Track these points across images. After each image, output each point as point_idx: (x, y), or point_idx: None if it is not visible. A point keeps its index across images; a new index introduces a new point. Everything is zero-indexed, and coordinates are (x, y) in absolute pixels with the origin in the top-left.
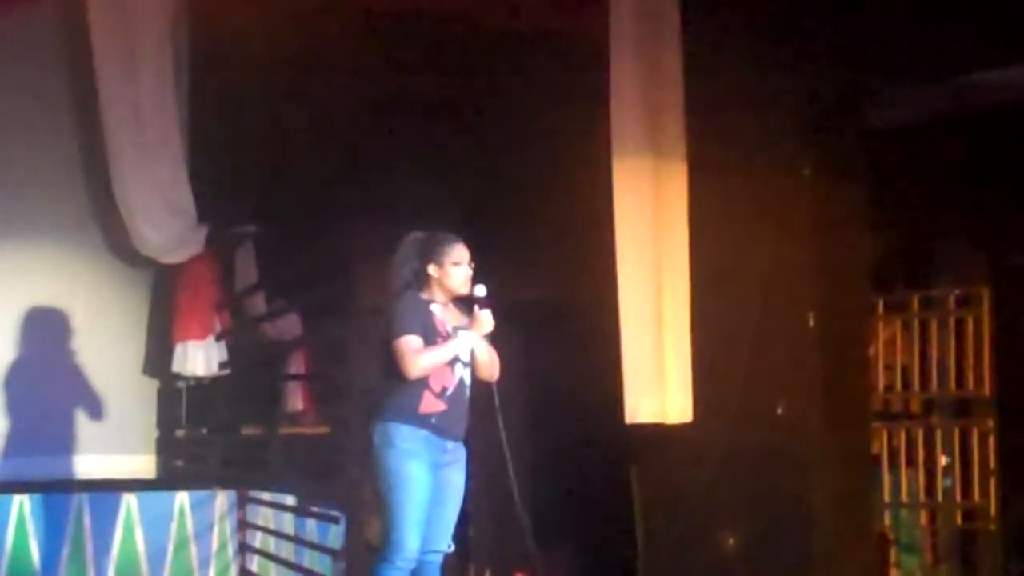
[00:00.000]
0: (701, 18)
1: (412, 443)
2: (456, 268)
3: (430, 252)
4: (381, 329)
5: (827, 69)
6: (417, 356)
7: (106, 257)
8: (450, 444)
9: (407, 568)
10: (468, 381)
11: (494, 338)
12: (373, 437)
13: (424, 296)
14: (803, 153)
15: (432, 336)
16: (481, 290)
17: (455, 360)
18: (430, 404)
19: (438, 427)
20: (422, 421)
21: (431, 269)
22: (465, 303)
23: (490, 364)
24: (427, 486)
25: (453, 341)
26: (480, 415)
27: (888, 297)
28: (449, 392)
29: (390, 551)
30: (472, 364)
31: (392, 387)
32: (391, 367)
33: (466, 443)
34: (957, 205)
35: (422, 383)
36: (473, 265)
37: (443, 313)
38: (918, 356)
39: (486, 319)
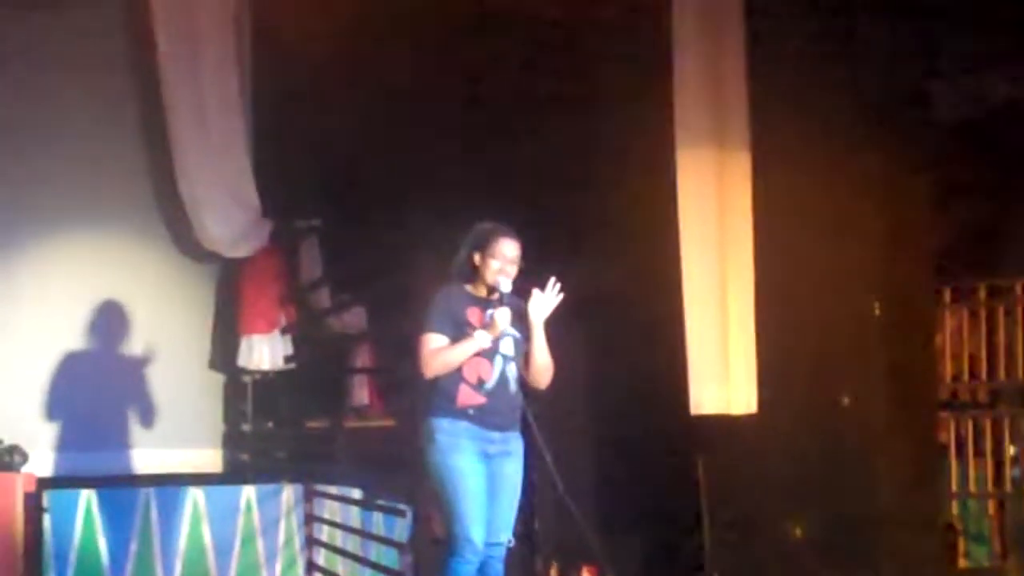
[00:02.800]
0: (765, 8)
1: (452, 436)
2: (493, 260)
3: (479, 241)
4: (414, 324)
5: (893, 58)
6: (432, 356)
7: (172, 252)
8: (496, 435)
9: (476, 561)
10: (513, 375)
11: (556, 334)
12: (419, 432)
13: (468, 288)
14: (869, 143)
15: (464, 331)
16: (505, 285)
17: (494, 353)
18: (468, 396)
19: (478, 419)
20: (460, 413)
21: (476, 258)
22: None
23: (540, 369)
24: (479, 477)
25: (468, 342)
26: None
27: (955, 286)
28: (489, 385)
29: (456, 546)
30: (525, 364)
31: (433, 381)
32: None
33: (524, 434)
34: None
35: (458, 376)
36: (520, 264)
37: (485, 306)
38: (985, 345)
39: (500, 319)
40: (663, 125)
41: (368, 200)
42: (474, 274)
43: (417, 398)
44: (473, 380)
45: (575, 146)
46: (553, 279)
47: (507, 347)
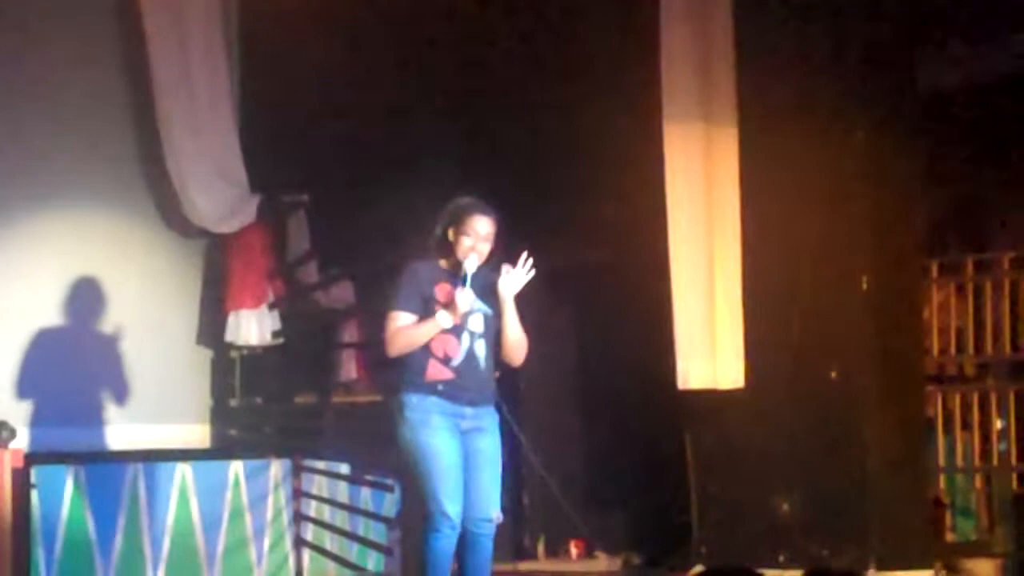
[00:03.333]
0: None
1: (422, 412)
2: (466, 238)
3: (454, 217)
4: (384, 295)
5: (881, 29)
6: (396, 334)
7: (159, 227)
8: (468, 411)
9: (454, 536)
10: (483, 351)
11: (539, 305)
12: (391, 408)
13: (443, 263)
14: (856, 115)
15: (432, 308)
16: (470, 265)
17: (461, 329)
18: (437, 371)
19: (448, 394)
20: (430, 388)
21: (449, 233)
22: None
23: (512, 345)
24: (451, 452)
25: (430, 322)
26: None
27: (942, 260)
28: (456, 362)
29: (433, 521)
30: (497, 341)
31: (403, 356)
32: None
33: (499, 408)
34: (1012, 166)
35: (425, 351)
36: (491, 242)
37: (455, 282)
38: (972, 319)
39: (461, 301)
40: (650, 100)
41: (355, 174)
42: (448, 249)
43: (392, 374)
44: (440, 355)
45: (563, 121)
46: (525, 255)
47: (476, 324)
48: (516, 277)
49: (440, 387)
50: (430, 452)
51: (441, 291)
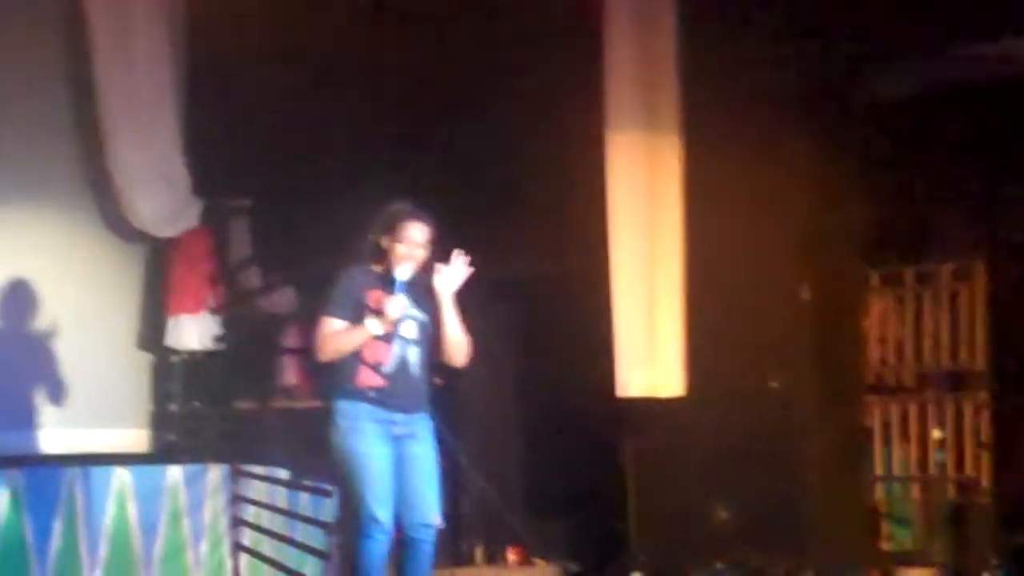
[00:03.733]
0: None
1: (352, 419)
2: (400, 245)
3: (388, 224)
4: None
5: (822, 42)
6: (326, 340)
7: (100, 230)
8: (400, 417)
9: (386, 540)
10: (415, 358)
11: (480, 313)
12: (325, 415)
13: (377, 269)
14: (798, 127)
15: (363, 315)
16: (402, 273)
17: (392, 336)
18: (367, 378)
19: (379, 400)
20: (360, 395)
21: (383, 240)
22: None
23: (453, 345)
24: (382, 458)
25: (359, 330)
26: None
27: (882, 270)
28: (387, 368)
29: (364, 527)
30: (437, 343)
31: (334, 362)
32: None
33: (433, 417)
34: (952, 178)
35: (356, 358)
36: (429, 248)
37: (389, 289)
38: (912, 329)
39: (392, 308)
40: (594, 107)
41: (298, 180)
42: (382, 256)
43: (326, 380)
44: (371, 362)
45: (505, 128)
46: (457, 251)
47: (408, 330)
48: (452, 274)
49: (371, 393)
50: (360, 458)
51: (373, 297)
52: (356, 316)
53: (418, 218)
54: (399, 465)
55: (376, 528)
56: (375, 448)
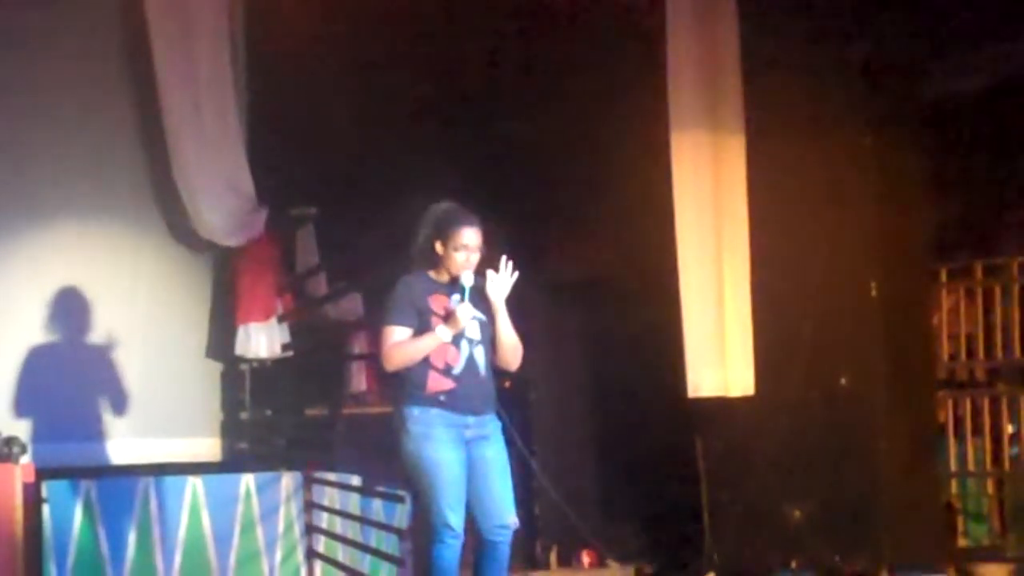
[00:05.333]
0: None
1: (425, 424)
2: (456, 253)
3: (440, 228)
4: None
5: (888, 36)
6: (393, 350)
7: (168, 241)
8: (471, 419)
9: (458, 545)
10: (482, 358)
11: (550, 317)
12: (392, 422)
13: (431, 274)
14: (863, 122)
15: (428, 320)
16: (467, 279)
17: (460, 337)
18: (437, 382)
19: (450, 404)
20: (431, 400)
21: (437, 246)
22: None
23: (508, 350)
24: (455, 464)
25: (429, 336)
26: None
27: (951, 265)
28: (457, 370)
29: (435, 531)
30: (492, 347)
31: (402, 369)
32: None
33: (499, 416)
34: (1019, 172)
35: (426, 362)
36: (482, 252)
37: (450, 292)
38: (982, 324)
39: (462, 315)
40: (657, 107)
41: (363, 187)
42: (436, 260)
43: (395, 386)
44: (440, 366)
45: (571, 130)
46: (504, 257)
47: (472, 331)
48: (503, 281)
49: (442, 398)
50: (433, 464)
51: (436, 302)
52: (419, 323)
53: (470, 222)
54: (472, 468)
55: (449, 533)
56: (448, 453)
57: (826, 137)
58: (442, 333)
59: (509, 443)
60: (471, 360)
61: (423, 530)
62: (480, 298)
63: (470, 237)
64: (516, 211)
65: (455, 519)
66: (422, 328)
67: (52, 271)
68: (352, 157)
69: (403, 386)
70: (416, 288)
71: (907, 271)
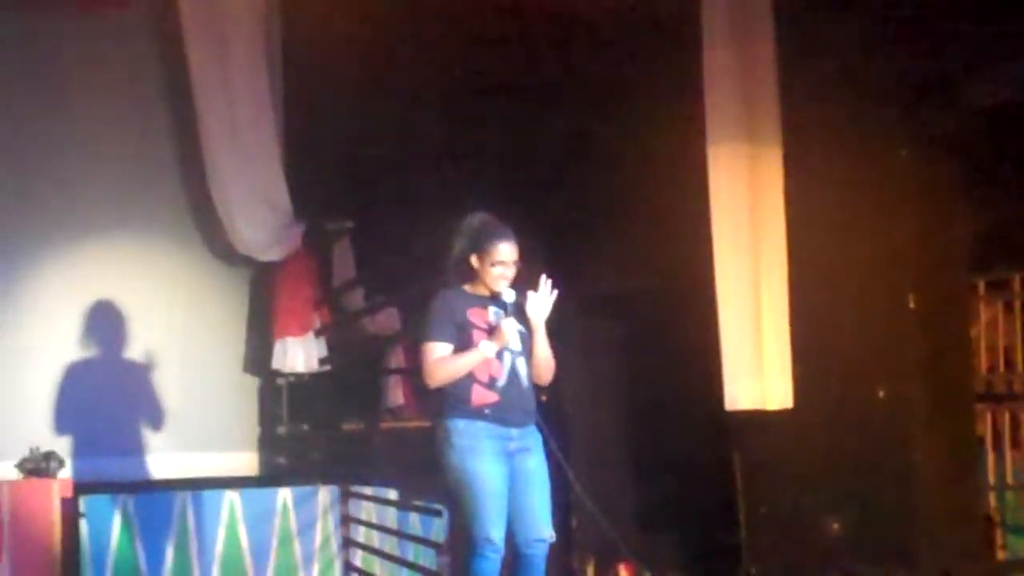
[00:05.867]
0: (793, 1)
1: (470, 438)
2: (494, 268)
3: (475, 242)
4: (417, 325)
5: (923, 47)
6: (436, 366)
7: (205, 256)
8: (515, 432)
9: (498, 559)
10: (524, 370)
11: (587, 329)
12: (434, 435)
13: (467, 288)
14: (900, 133)
15: (468, 334)
16: (509, 295)
17: (503, 350)
18: (481, 396)
19: (495, 417)
20: (476, 413)
21: (473, 259)
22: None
23: (542, 365)
24: (498, 477)
25: (474, 352)
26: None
27: (990, 277)
28: (501, 383)
29: (477, 547)
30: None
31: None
32: None
33: (539, 428)
34: None
35: (470, 375)
36: (518, 265)
37: (486, 304)
38: (1021, 336)
39: (507, 329)
40: (694, 119)
41: (400, 201)
42: (471, 274)
43: (435, 399)
44: (485, 379)
45: (607, 146)
46: (544, 276)
47: (515, 343)
48: (543, 300)
49: (487, 411)
50: (477, 477)
51: (475, 316)
52: (459, 338)
53: (506, 236)
54: (514, 480)
55: (490, 547)
56: (492, 467)
57: (863, 150)
58: (486, 348)
59: (548, 453)
60: (514, 372)
61: (462, 544)
62: (519, 311)
63: (506, 252)
64: (553, 223)
65: (497, 533)
66: (463, 342)
67: (90, 287)
68: (388, 171)
69: (446, 399)
70: (454, 303)
71: (945, 283)
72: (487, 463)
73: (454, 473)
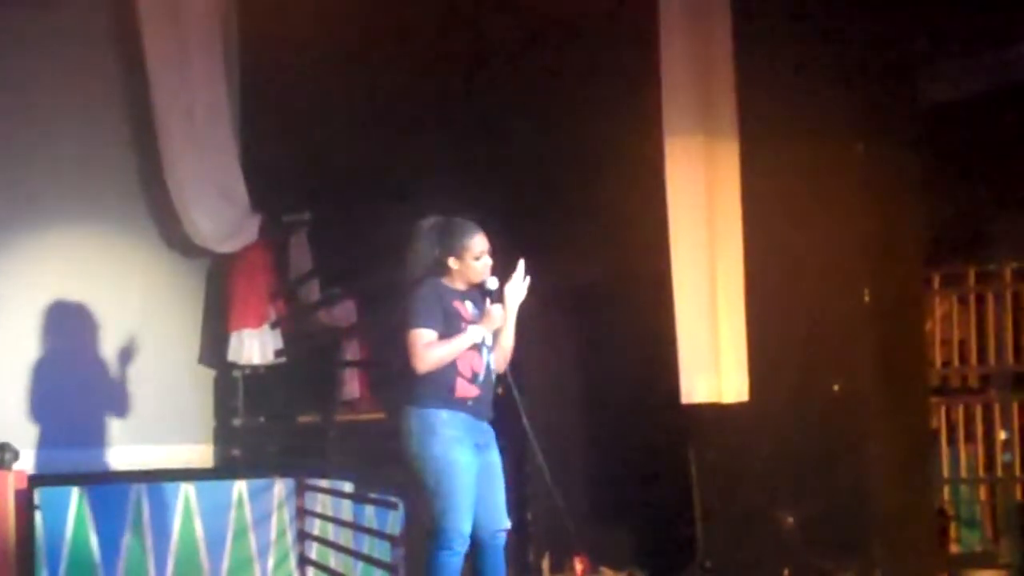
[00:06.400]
0: None
1: (454, 428)
2: (476, 262)
3: (450, 244)
4: (398, 316)
5: (879, 42)
6: (427, 351)
7: (160, 247)
8: (485, 426)
9: (463, 552)
10: (492, 365)
11: (542, 321)
12: (408, 423)
13: (445, 282)
14: (857, 127)
15: (455, 323)
16: (493, 283)
17: (482, 345)
18: (464, 389)
19: (474, 410)
20: (459, 405)
21: (451, 261)
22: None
23: (506, 353)
24: (472, 470)
25: (463, 336)
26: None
27: (944, 272)
28: (481, 377)
29: (446, 538)
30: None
31: (427, 373)
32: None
33: (492, 423)
34: (1012, 178)
35: (453, 368)
36: (493, 254)
37: (464, 299)
38: (975, 330)
39: (497, 314)
40: (651, 115)
41: (357, 193)
42: (446, 271)
43: (403, 389)
44: (468, 374)
45: (563, 138)
46: (521, 262)
47: (488, 338)
48: (520, 286)
49: (469, 403)
50: (458, 470)
51: (462, 308)
52: (445, 326)
53: (478, 230)
54: (481, 474)
55: (459, 541)
56: (470, 460)
57: (819, 143)
58: (476, 333)
59: (509, 450)
60: (487, 367)
61: (425, 537)
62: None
63: (482, 243)
64: (509, 219)
65: (467, 527)
66: (447, 331)
67: (45, 278)
68: (345, 164)
69: (426, 389)
70: (441, 293)
71: (900, 277)
72: (467, 455)
73: (434, 463)
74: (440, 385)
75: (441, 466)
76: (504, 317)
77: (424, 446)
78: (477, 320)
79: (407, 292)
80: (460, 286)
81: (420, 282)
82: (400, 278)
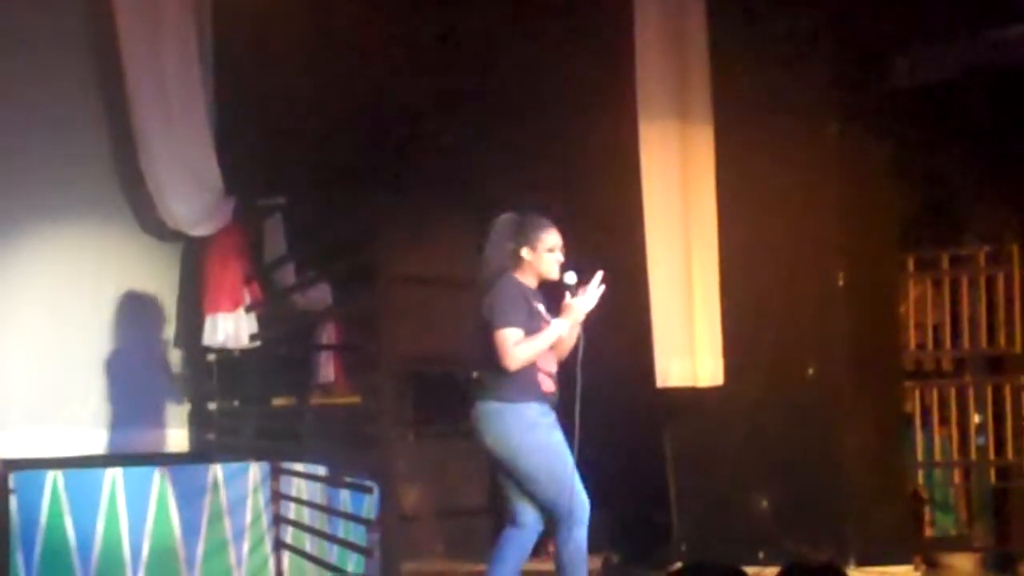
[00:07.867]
0: None
1: (546, 417)
2: (550, 255)
3: (525, 236)
4: (483, 313)
5: (853, 27)
6: (516, 349)
7: (134, 231)
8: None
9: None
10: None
11: None
12: (504, 420)
13: (519, 278)
14: (831, 111)
15: (536, 321)
16: (572, 277)
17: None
18: (547, 384)
19: (552, 402)
20: (546, 399)
21: (525, 252)
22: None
23: (562, 353)
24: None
25: (548, 331)
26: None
27: (918, 255)
28: (554, 372)
29: (566, 520)
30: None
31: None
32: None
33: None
34: (986, 162)
35: (535, 365)
36: (564, 250)
37: (536, 296)
38: (949, 314)
39: (580, 307)
40: (626, 98)
41: (332, 177)
42: (519, 263)
43: (489, 387)
44: (547, 369)
45: (538, 122)
46: (600, 274)
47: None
48: (593, 295)
49: (550, 397)
50: (563, 450)
51: (540, 304)
52: (528, 324)
53: (552, 227)
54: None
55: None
56: (565, 444)
57: (794, 127)
58: (560, 326)
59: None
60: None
61: (394, 520)
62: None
63: (556, 239)
64: (483, 202)
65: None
66: (530, 330)
67: (17, 261)
68: (320, 147)
69: (513, 385)
70: (524, 290)
71: (874, 261)
72: (562, 440)
73: (539, 452)
74: (529, 381)
75: (545, 453)
76: (583, 311)
77: (527, 438)
78: (552, 317)
79: (486, 289)
80: (532, 282)
81: (498, 278)
82: (375, 260)
